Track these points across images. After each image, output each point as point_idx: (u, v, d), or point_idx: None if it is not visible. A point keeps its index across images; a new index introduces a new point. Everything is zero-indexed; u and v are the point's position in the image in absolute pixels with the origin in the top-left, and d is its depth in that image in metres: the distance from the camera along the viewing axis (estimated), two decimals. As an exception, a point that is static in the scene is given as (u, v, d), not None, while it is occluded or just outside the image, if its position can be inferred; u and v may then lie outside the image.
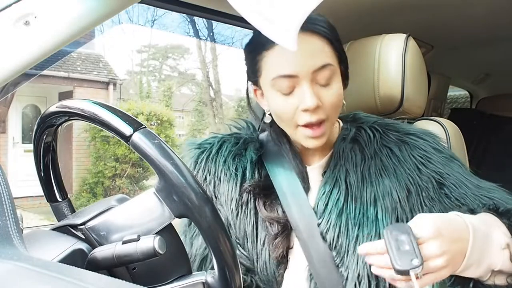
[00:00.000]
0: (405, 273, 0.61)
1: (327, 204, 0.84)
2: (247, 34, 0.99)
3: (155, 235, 0.59)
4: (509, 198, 0.83)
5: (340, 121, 0.95)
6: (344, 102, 0.87)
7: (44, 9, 0.77)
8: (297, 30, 0.68)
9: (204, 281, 0.63)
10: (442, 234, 0.65)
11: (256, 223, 0.89)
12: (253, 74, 0.86)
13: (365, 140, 0.88)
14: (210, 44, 11.42)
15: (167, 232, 0.63)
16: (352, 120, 0.94)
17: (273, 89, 0.82)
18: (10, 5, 0.74)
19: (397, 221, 0.82)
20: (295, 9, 0.68)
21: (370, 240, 0.80)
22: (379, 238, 0.79)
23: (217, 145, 0.94)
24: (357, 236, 0.81)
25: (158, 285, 0.63)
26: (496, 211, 0.77)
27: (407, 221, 0.79)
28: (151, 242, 0.57)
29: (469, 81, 2.19)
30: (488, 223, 0.73)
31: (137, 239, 0.58)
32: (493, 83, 2.17)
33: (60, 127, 0.70)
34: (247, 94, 0.94)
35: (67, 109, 0.65)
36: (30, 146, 0.75)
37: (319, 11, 0.70)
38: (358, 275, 0.80)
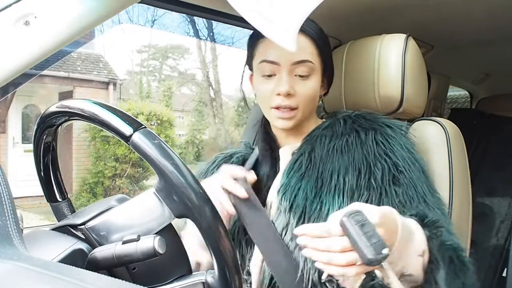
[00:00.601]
0: (375, 262, 0.60)
1: (289, 173, 0.91)
2: (247, 34, 1.01)
3: (155, 235, 0.59)
4: (445, 220, 0.83)
5: (324, 119, 1.02)
6: (322, 103, 0.99)
7: (44, 9, 0.77)
8: (297, 31, 0.68)
9: (204, 281, 0.63)
10: (385, 223, 0.65)
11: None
12: (250, 57, 0.98)
13: (337, 126, 0.95)
14: (210, 44, 11.44)
15: (167, 232, 0.63)
16: (333, 116, 1.00)
17: (258, 71, 0.94)
18: (10, 5, 0.74)
19: (348, 198, 0.84)
20: (295, 9, 0.68)
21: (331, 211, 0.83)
22: (328, 211, 0.83)
23: (212, 163, 1.06)
24: (320, 205, 0.85)
25: (158, 285, 0.63)
26: (422, 220, 0.78)
27: (352, 201, 0.82)
28: (151, 242, 0.57)
29: (469, 81, 2.19)
30: (412, 227, 0.74)
31: (137, 239, 0.58)
32: (493, 83, 2.17)
33: (60, 127, 0.70)
34: (242, 75, 1.04)
35: (67, 109, 0.66)
36: (30, 146, 0.75)
37: (319, 11, 0.70)
38: None
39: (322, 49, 0.93)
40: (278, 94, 0.89)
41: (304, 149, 0.93)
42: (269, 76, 0.91)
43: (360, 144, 0.89)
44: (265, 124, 1.03)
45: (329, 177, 0.87)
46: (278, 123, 0.93)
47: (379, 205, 0.82)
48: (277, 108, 0.90)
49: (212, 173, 1.02)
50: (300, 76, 0.90)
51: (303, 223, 0.85)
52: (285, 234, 0.87)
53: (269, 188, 0.95)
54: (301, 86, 0.90)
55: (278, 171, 0.96)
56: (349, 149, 0.90)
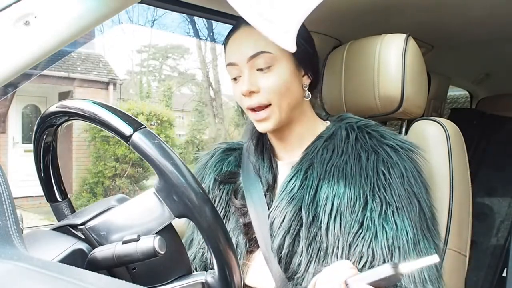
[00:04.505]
0: None
1: (283, 191, 0.88)
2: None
3: (155, 235, 0.59)
4: (430, 269, 0.78)
5: (328, 122, 0.97)
6: (309, 93, 0.91)
7: (44, 9, 0.77)
8: (296, 31, 0.68)
9: (204, 281, 0.63)
10: None
11: (227, 213, 0.96)
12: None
13: (339, 139, 0.89)
14: (210, 44, 11.43)
15: (167, 232, 0.63)
16: (338, 121, 0.94)
17: (229, 76, 0.90)
18: (10, 5, 0.74)
19: (340, 223, 0.82)
20: (295, 9, 0.68)
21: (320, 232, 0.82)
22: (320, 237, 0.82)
23: (212, 156, 1.03)
24: (310, 224, 0.83)
25: (158, 285, 0.63)
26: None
27: (343, 226, 0.81)
28: (151, 242, 0.57)
29: (469, 81, 2.19)
30: None
31: (137, 239, 0.58)
32: (493, 83, 2.17)
33: (60, 127, 0.70)
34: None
35: (67, 109, 0.66)
36: (30, 146, 0.75)
37: (319, 11, 0.70)
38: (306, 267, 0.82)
39: None
40: (243, 95, 0.86)
41: (302, 164, 0.88)
42: (235, 79, 0.88)
43: (359, 170, 0.84)
44: (260, 135, 0.97)
45: (324, 200, 0.83)
46: (258, 127, 0.89)
47: (368, 248, 0.79)
48: (252, 110, 0.86)
49: (213, 166, 1.00)
50: (261, 69, 0.84)
51: (297, 242, 0.84)
52: (281, 252, 0.84)
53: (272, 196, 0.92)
54: (263, 80, 0.84)
55: (276, 185, 0.93)
56: (347, 173, 0.84)
